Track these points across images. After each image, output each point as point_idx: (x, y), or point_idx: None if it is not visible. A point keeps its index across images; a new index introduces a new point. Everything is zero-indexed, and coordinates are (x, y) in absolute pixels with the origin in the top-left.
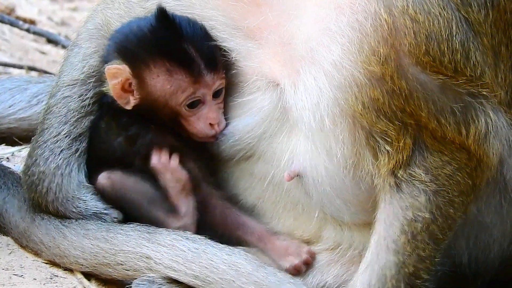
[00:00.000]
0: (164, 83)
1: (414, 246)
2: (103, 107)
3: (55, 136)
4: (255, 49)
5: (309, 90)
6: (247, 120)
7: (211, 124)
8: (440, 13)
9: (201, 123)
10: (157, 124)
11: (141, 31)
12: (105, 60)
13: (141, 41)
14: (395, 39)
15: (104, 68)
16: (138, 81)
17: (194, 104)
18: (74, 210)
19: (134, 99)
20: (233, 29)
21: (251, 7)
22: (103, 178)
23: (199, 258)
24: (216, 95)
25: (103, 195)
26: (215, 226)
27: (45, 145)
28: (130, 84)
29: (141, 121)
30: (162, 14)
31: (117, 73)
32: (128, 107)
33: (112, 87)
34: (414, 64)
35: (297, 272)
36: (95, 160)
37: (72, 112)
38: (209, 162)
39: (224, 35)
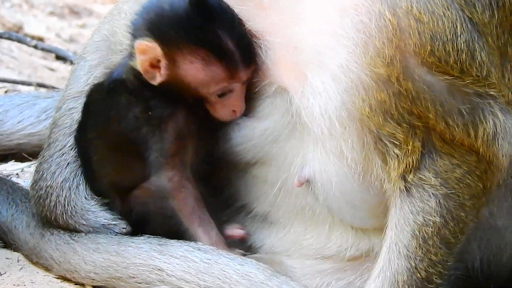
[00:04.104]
0: (197, 71)
1: (425, 251)
2: (116, 85)
3: (60, 149)
4: (262, 54)
5: (316, 94)
6: (258, 125)
7: (233, 110)
8: (444, 13)
9: (225, 109)
10: (179, 101)
11: (175, 14)
12: (133, 34)
13: (176, 24)
14: (400, 40)
15: (134, 43)
16: (168, 62)
17: (223, 94)
18: (84, 222)
19: (161, 76)
20: None
21: (257, 10)
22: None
23: (211, 269)
24: (244, 82)
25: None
26: (178, 214)
27: (51, 159)
28: (158, 61)
29: (162, 96)
30: None
31: (147, 50)
32: (154, 83)
33: (140, 62)
34: (420, 64)
35: None
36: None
37: (77, 123)
38: (210, 153)
39: None
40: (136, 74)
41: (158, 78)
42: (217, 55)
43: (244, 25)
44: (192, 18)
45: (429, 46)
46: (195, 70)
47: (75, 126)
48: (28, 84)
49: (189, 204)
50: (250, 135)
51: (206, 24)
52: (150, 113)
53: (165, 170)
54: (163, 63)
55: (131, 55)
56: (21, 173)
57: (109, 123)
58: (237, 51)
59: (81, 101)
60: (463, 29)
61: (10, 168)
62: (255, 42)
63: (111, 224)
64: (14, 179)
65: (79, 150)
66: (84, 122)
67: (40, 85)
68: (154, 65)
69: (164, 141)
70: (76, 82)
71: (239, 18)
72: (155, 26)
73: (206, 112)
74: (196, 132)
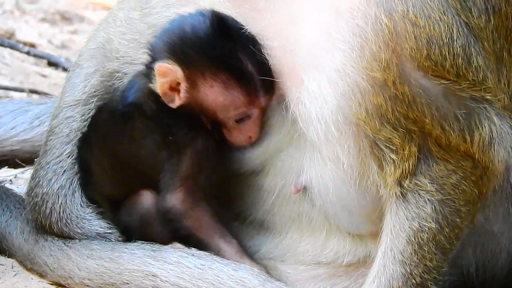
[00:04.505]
0: (217, 95)
1: (421, 257)
2: (131, 109)
3: (57, 157)
4: None
5: (313, 98)
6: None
7: (249, 136)
8: (440, 18)
9: (241, 135)
10: (197, 125)
11: (197, 37)
12: (153, 56)
13: (198, 47)
14: (397, 44)
15: (154, 65)
16: (189, 85)
17: (241, 119)
18: (78, 230)
19: (180, 99)
20: None
21: (252, 13)
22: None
23: (205, 275)
24: (262, 108)
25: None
26: (195, 232)
27: (48, 166)
28: (178, 84)
29: (181, 119)
30: (218, 20)
31: (168, 72)
32: (172, 106)
33: (159, 84)
34: (416, 68)
35: None
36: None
37: (74, 132)
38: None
39: None
40: (154, 97)
41: (177, 101)
42: (238, 79)
43: (264, 51)
44: (214, 42)
45: (425, 50)
46: (215, 94)
47: (73, 135)
48: (21, 90)
49: (205, 221)
50: (256, 148)
51: (228, 48)
52: (171, 138)
53: (178, 192)
54: (183, 86)
55: (147, 77)
56: (15, 179)
57: (119, 145)
58: (258, 76)
59: (79, 109)
60: (459, 34)
61: (3, 174)
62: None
63: (107, 232)
64: (7, 185)
65: (80, 160)
66: (90, 136)
67: (33, 91)
68: (174, 88)
69: (180, 164)
70: (72, 90)
71: (261, 48)
72: (177, 49)
73: (222, 136)
74: (212, 156)
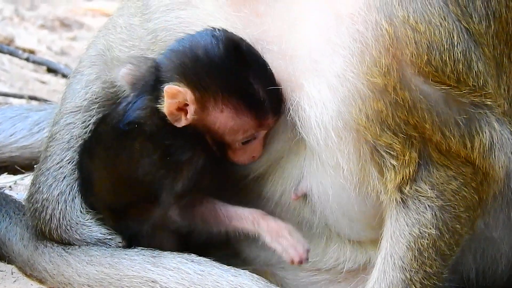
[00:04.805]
0: (227, 120)
1: (421, 263)
2: (132, 128)
3: (58, 163)
4: None
5: (312, 104)
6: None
7: (253, 156)
8: (441, 23)
9: (246, 155)
10: (199, 143)
11: (210, 62)
12: (160, 78)
13: (211, 73)
14: (397, 49)
15: (162, 85)
16: (198, 108)
17: (248, 141)
18: (78, 237)
19: (186, 120)
20: None
21: (252, 18)
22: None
23: (205, 280)
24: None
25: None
26: (210, 225)
27: (48, 172)
28: (186, 105)
29: (183, 138)
30: (231, 44)
31: (177, 94)
32: (177, 125)
33: (167, 105)
34: (416, 74)
35: (289, 258)
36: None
37: (75, 138)
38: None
39: None
40: (156, 115)
41: (183, 121)
42: (249, 105)
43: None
44: (227, 67)
45: (425, 56)
46: (225, 119)
47: (74, 141)
48: (20, 97)
49: (206, 217)
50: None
51: (241, 74)
52: (168, 158)
53: (174, 208)
54: (192, 108)
55: (152, 95)
56: (14, 185)
57: (119, 160)
58: (269, 101)
59: (79, 116)
60: (460, 39)
61: (3, 180)
62: None
63: (107, 238)
64: (7, 191)
65: (81, 168)
66: (92, 147)
67: (32, 98)
68: (181, 108)
69: (177, 182)
70: (73, 96)
71: (272, 72)
72: (189, 72)
73: (224, 154)
74: (210, 173)
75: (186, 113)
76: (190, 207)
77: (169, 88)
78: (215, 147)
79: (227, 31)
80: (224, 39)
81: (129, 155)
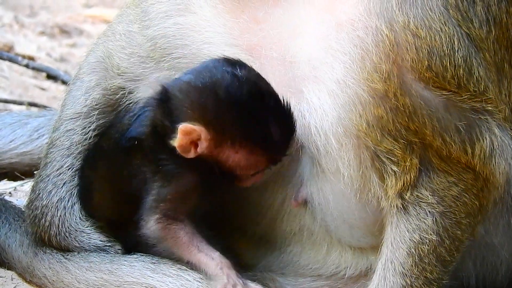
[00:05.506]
0: (241, 159)
1: (421, 269)
2: (132, 144)
3: (58, 169)
4: (256, 68)
5: (312, 110)
6: None
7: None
8: (441, 29)
9: (250, 181)
10: (198, 168)
11: (232, 105)
12: (173, 115)
13: (231, 117)
14: (397, 55)
15: (177, 125)
16: (211, 145)
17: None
18: (77, 244)
19: (196, 153)
20: (234, 46)
21: (251, 24)
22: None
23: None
24: None
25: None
26: (179, 248)
27: (48, 178)
28: (198, 139)
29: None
30: (254, 87)
31: (192, 132)
32: (186, 156)
33: (179, 141)
34: (417, 80)
35: None
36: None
37: (75, 145)
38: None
39: (225, 53)
40: (157, 135)
41: (192, 154)
42: (265, 148)
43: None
44: (249, 112)
45: (426, 61)
46: (239, 158)
47: (74, 147)
48: (19, 103)
49: (180, 238)
50: None
51: (262, 119)
52: (160, 167)
53: (155, 214)
54: (204, 145)
55: (157, 108)
56: (14, 192)
57: (120, 177)
58: (283, 143)
59: (79, 122)
60: (461, 45)
61: (2, 187)
62: (250, 57)
63: (106, 246)
64: (6, 197)
65: (81, 178)
66: (94, 159)
67: (31, 104)
68: (193, 142)
69: (163, 190)
70: (73, 103)
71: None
72: (208, 113)
73: (228, 179)
74: (202, 191)
75: (196, 146)
76: (170, 224)
77: (184, 127)
78: (220, 175)
79: (245, 64)
80: (246, 81)
81: (130, 171)
